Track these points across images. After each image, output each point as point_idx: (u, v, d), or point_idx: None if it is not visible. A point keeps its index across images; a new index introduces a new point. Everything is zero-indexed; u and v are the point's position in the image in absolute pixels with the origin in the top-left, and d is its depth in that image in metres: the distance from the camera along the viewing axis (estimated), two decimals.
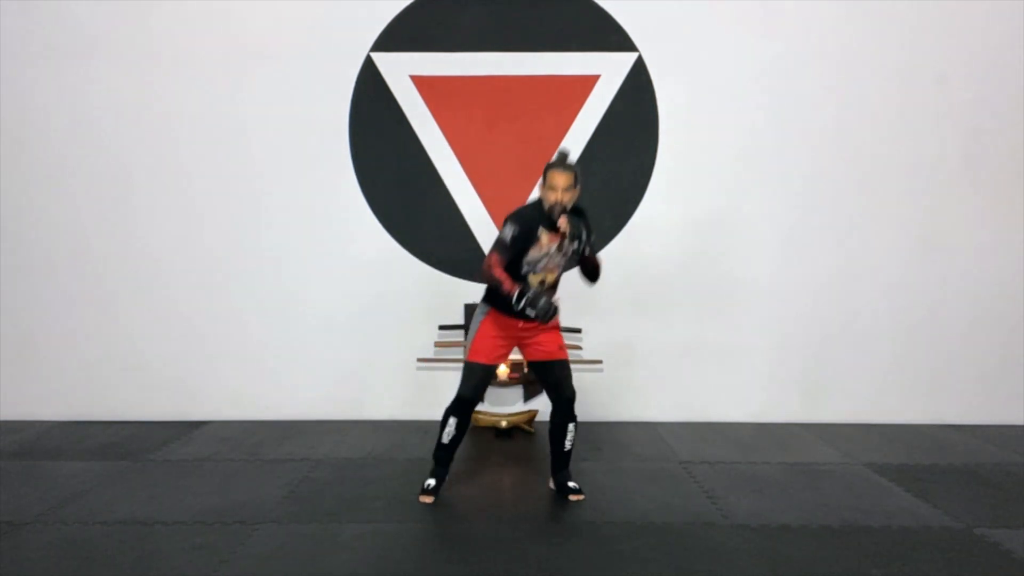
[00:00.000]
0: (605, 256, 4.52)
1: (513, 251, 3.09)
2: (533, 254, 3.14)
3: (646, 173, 4.59)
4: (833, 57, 4.50)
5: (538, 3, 4.53)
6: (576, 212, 3.19)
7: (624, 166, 4.59)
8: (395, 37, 4.55)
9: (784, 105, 4.52)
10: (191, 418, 4.64)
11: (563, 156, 3.15)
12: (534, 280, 3.17)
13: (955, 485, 3.49)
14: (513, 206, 4.52)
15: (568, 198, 3.06)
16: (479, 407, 4.47)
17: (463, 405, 3.24)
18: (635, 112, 4.56)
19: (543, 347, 3.24)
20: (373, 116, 4.57)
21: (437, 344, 4.51)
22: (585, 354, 4.55)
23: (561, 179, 3.03)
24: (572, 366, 4.42)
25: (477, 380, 3.23)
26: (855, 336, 4.63)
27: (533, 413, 4.41)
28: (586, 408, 4.55)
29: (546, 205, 3.09)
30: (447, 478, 3.38)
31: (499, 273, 3.03)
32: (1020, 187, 4.54)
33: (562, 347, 3.28)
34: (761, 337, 4.64)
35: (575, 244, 3.10)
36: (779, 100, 4.52)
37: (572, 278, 4.59)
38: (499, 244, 3.08)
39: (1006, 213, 4.55)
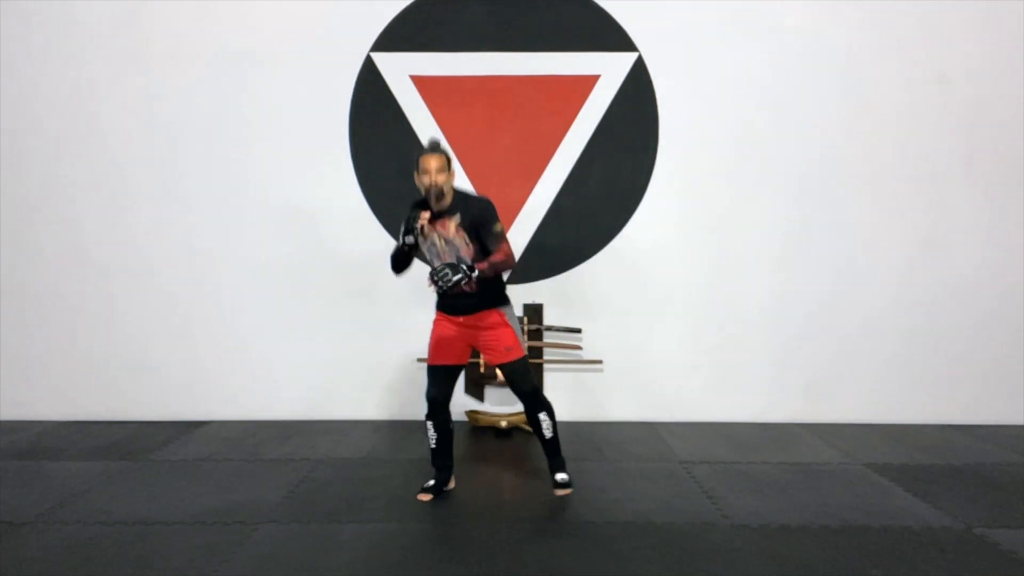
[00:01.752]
0: (605, 255, 4.61)
1: (405, 250, 3.19)
2: (424, 249, 3.19)
3: (646, 173, 4.60)
4: (833, 57, 4.50)
5: (538, 3, 4.53)
6: (469, 204, 3.15)
7: (624, 166, 4.59)
8: (395, 37, 4.55)
9: (784, 105, 4.52)
10: (191, 418, 4.64)
11: (433, 142, 3.22)
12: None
13: (955, 485, 3.49)
14: (513, 206, 4.59)
15: (442, 179, 3.09)
16: (479, 407, 4.48)
17: (431, 407, 3.29)
18: (635, 112, 4.56)
19: (494, 349, 3.24)
20: (373, 116, 4.58)
21: None
22: (585, 354, 4.55)
23: (432, 161, 3.09)
24: (572, 366, 4.45)
25: (436, 382, 3.28)
26: (855, 336, 4.63)
27: None
28: (586, 408, 4.59)
29: (422, 190, 3.13)
30: (451, 478, 3.41)
31: (392, 256, 3.23)
32: (1020, 187, 4.54)
33: (511, 348, 3.23)
34: (761, 337, 4.64)
35: (450, 275, 3.01)
36: (779, 100, 4.52)
37: (570, 280, 4.63)
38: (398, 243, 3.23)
39: (1006, 213, 4.55)
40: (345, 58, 4.55)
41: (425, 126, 4.56)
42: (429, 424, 3.31)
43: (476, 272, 3.04)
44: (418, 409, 4.56)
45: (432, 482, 3.34)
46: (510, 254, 3.15)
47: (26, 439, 4.26)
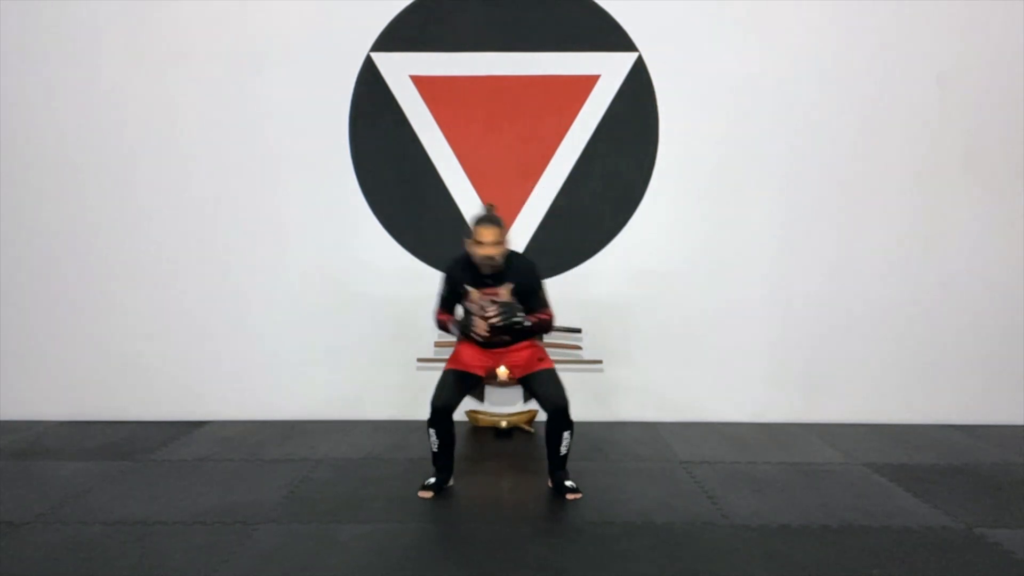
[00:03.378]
0: (605, 255, 4.61)
1: (450, 303, 3.30)
2: (468, 306, 3.23)
3: (646, 173, 4.60)
4: (833, 57, 4.49)
5: (538, 3, 4.53)
6: (518, 269, 3.22)
7: (624, 166, 4.59)
8: (395, 37, 4.55)
9: (784, 105, 4.52)
10: (191, 418, 4.64)
11: (488, 209, 3.23)
12: (479, 327, 3.17)
13: (955, 485, 3.49)
14: (513, 206, 4.60)
15: (497, 251, 3.11)
16: (479, 407, 4.48)
17: (434, 414, 3.25)
18: (635, 112, 4.56)
19: (526, 361, 3.29)
20: (373, 116, 4.57)
21: (437, 344, 4.51)
22: (585, 354, 4.55)
23: (488, 234, 3.09)
24: (572, 366, 4.45)
25: (448, 387, 3.27)
26: (855, 336, 4.63)
27: (533, 413, 4.41)
28: (586, 408, 4.58)
29: (474, 260, 3.15)
30: (451, 478, 3.42)
31: (442, 318, 3.35)
32: (1020, 187, 4.54)
33: (542, 359, 3.29)
34: (761, 337, 4.64)
35: (511, 319, 3.10)
36: (779, 100, 4.52)
37: (570, 280, 4.62)
38: (439, 295, 3.40)
39: (1006, 213, 4.55)
40: (345, 58, 4.55)
41: (425, 126, 4.56)
42: (431, 431, 3.29)
43: (529, 324, 3.13)
44: (418, 409, 4.56)
45: (432, 480, 3.35)
46: (553, 316, 3.28)
47: (26, 439, 4.26)
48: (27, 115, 4.56)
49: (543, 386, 3.26)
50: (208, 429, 4.46)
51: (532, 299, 3.19)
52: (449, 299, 3.37)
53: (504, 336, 3.17)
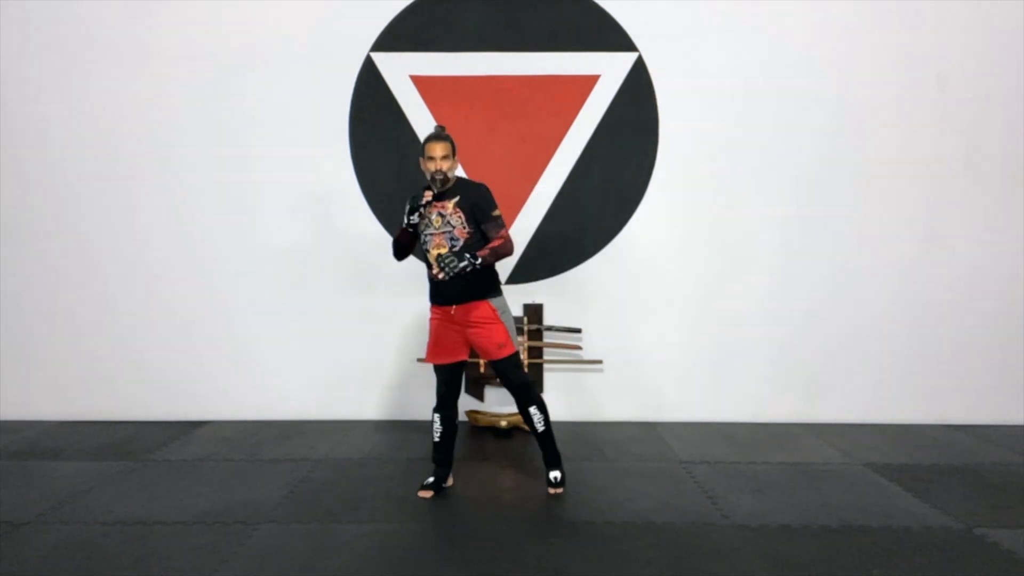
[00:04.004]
0: (605, 255, 4.61)
1: (409, 230, 3.28)
2: (422, 229, 3.28)
3: (646, 173, 4.59)
4: (833, 57, 4.50)
5: (538, 3, 4.53)
6: (469, 187, 3.28)
7: (624, 166, 4.59)
8: (395, 37, 4.55)
9: (784, 105, 4.52)
10: (191, 418, 4.64)
11: (439, 128, 3.30)
12: (431, 256, 3.25)
13: (955, 485, 3.49)
14: (513, 206, 4.59)
15: (446, 165, 3.19)
16: (479, 407, 4.48)
17: (439, 400, 3.38)
18: (635, 112, 4.56)
19: (485, 347, 3.28)
20: (373, 116, 4.58)
21: None
22: (585, 354, 4.55)
23: (438, 148, 3.18)
24: (572, 366, 4.45)
25: (442, 378, 3.37)
26: (855, 336, 4.63)
27: None
28: (586, 408, 4.58)
29: (427, 175, 3.23)
30: (449, 475, 3.43)
31: (400, 237, 3.32)
32: (1020, 187, 4.54)
33: (503, 344, 3.28)
34: (761, 337, 4.64)
35: (454, 262, 3.12)
36: (779, 100, 4.52)
37: (570, 280, 4.62)
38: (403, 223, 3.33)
39: (1006, 213, 4.55)
40: (345, 58, 4.55)
41: (425, 126, 4.56)
42: (436, 416, 3.37)
43: (479, 260, 3.14)
44: (418, 409, 4.59)
45: (431, 479, 3.36)
46: (508, 239, 3.25)
47: (26, 439, 4.26)
48: (27, 115, 4.56)
49: (504, 369, 3.31)
50: (208, 429, 4.46)
51: (485, 221, 3.22)
52: (409, 221, 3.34)
53: (467, 272, 3.16)
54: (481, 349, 3.31)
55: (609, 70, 4.55)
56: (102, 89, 4.54)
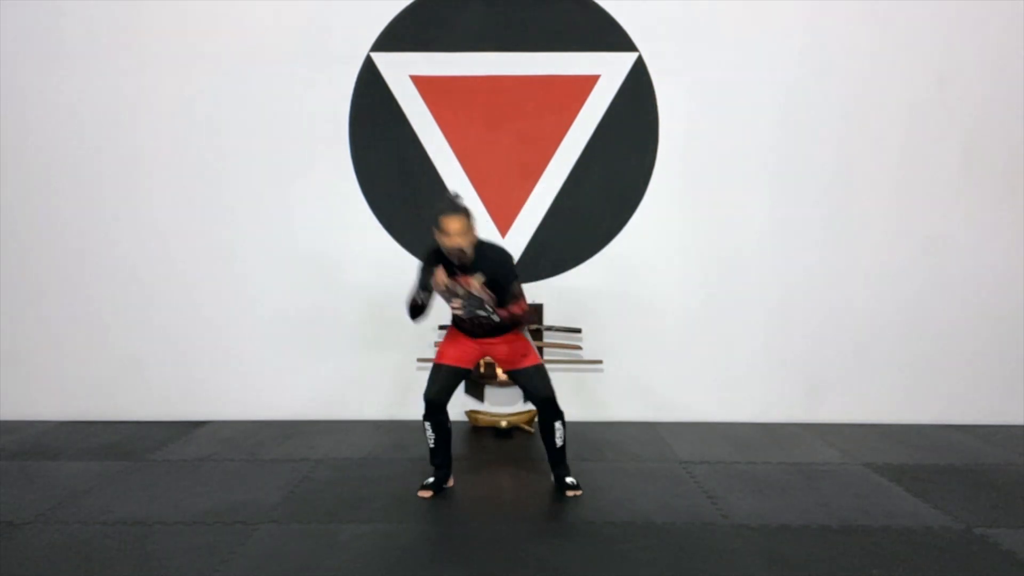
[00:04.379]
0: (605, 255, 4.61)
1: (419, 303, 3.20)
2: (434, 286, 3.11)
3: (646, 173, 4.59)
4: (833, 57, 4.50)
5: (538, 3, 4.53)
6: (490, 260, 3.14)
7: (624, 166, 4.59)
8: (395, 37, 4.55)
9: (784, 105, 4.52)
10: (191, 418, 4.64)
11: (454, 198, 3.13)
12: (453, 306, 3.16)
13: (955, 485, 3.49)
14: (513, 206, 4.60)
15: (465, 241, 3.03)
16: (479, 407, 4.48)
17: (428, 408, 3.29)
18: (635, 112, 4.56)
19: (510, 356, 3.28)
20: (373, 116, 4.57)
21: (437, 344, 4.51)
22: (585, 354, 4.55)
23: (454, 224, 3.00)
24: (572, 366, 4.45)
25: (439, 382, 3.27)
26: (855, 336, 4.63)
27: (533, 413, 4.40)
28: (586, 408, 4.58)
29: (445, 251, 3.08)
30: (449, 476, 3.43)
31: (410, 306, 3.20)
32: (1020, 187, 4.54)
33: (527, 355, 3.28)
34: (760, 337, 4.64)
35: (474, 312, 3.10)
36: (779, 100, 4.52)
37: (570, 280, 4.62)
38: (413, 287, 3.22)
39: (1006, 213, 4.55)
40: (345, 58, 4.54)
41: (425, 126, 4.57)
42: (427, 424, 3.33)
43: (497, 318, 3.12)
44: (418, 409, 4.53)
45: (432, 479, 3.36)
46: (528, 311, 3.20)
47: (26, 439, 4.26)
48: (26, 115, 4.56)
49: (529, 381, 3.29)
50: (208, 429, 4.46)
51: (503, 292, 3.10)
52: (423, 288, 3.26)
53: (472, 326, 3.14)
54: (504, 361, 3.30)
55: (609, 70, 4.55)
56: (101, 89, 4.54)
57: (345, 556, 2.70)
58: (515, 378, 3.35)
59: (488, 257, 3.12)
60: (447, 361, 3.30)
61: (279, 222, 4.62)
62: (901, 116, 4.52)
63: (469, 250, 3.05)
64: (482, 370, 4.40)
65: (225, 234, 4.62)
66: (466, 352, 3.31)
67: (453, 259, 3.06)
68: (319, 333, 4.65)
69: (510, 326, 3.23)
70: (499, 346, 3.28)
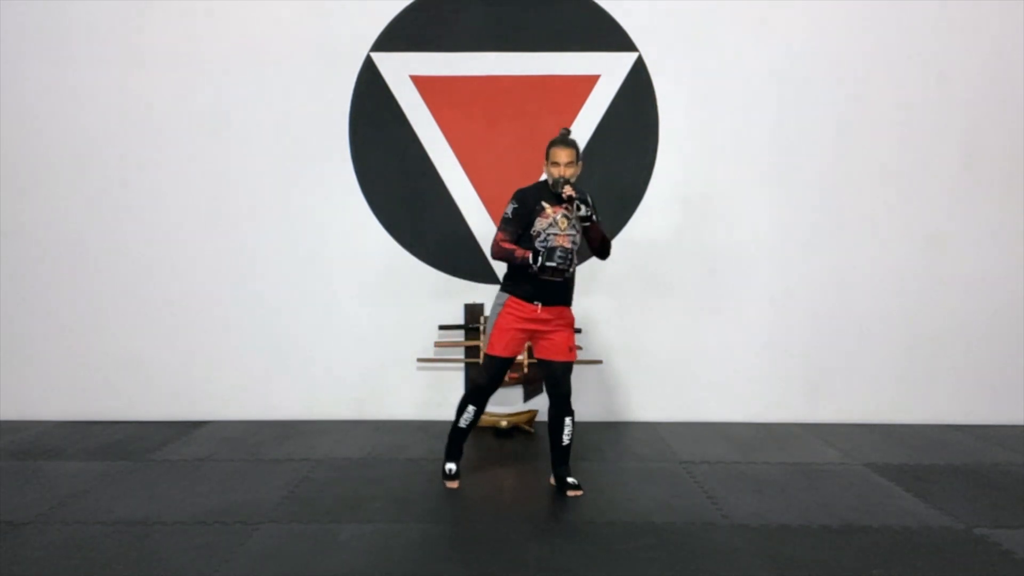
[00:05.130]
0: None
1: (517, 225, 3.21)
2: (539, 225, 3.20)
3: (646, 173, 4.60)
4: (833, 57, 4.50)
5: (538, 3, 4.53)
6: (586, 195, 3.24)
7: (624, 166, 4.59)
8: (395, 37, 4.55)
9: (784, 105, 4.52)
10: (191, 418, 4.64)
11: (565, 133, 3.27)
12: (554, 246, 3.17)
13: (955, 485, 3.49)
14: None
15: (571, 172, 3.19)
16: None
17: (481, 392, 3.37)
18: (635, 112, 4.56)
19: (556, 345, 3.28)
20: (373, 116, 4.58)
21: (437, 344, 4.51)
22: (585, 354, 4.55)
23: (563, 154, 3.18)
24: (572, 366, 4.42)
25: (495, 371, 3.34)
26: (855, 336, 4.63)
27: (533, 413, 4.41)
28: (586, 408, 4.57)
29: (550, 180, 3.20)
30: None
31: (507, 245, 3.18)
32: (1020, 187, 4.54)
33: (572, 348, 3.34)
34: (761, 337, 4.64)
35: (582, 210, 3.13)
36: (779, 100, 4.52)
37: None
38: (503, 221, 3.25)
39: (1006, 213, 4.55)
40: (345, 58, 4.55)
41: (425, 126, 4.57)
42: (470, 408, 3.37)
43: (596, 218, 3.21)
44: (418, 409, 4.60)
45: (453, 467, 3.46)
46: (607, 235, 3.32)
47: (26, 439, 4.26)
48: (27, 115, 4.56)
49: (559, 372, 3.31)
50: (208, 429, 4.46)
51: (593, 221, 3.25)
52: (515, 225, 3.21)
53: (561, 270, 3.12)
54: (552, 350, 3.29)
55: (609, 70, 4.55)
56: (101, 89, 4.54)
57: (345, 556, 2.70)
58: (547, 367, 3.34)
59: (581, 193, 3.19)
60: (500, 353, 3.28)
61: (279, 222, 4.62)
62: (901, 115, 4.52)
63: (573, 180, 3.19)
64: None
65: (225, 234, 4.62)
66: (519, 341, 3.31)
67: (559, 188, 3.14)
68: (319, 333, 4.65)
69: (601, 240, 3.28)
70: (555, 331, 3.26)
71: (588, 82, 4.55)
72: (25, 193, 4.60)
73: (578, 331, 4.48)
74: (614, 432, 4.38)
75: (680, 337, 4.65)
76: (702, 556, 2.71)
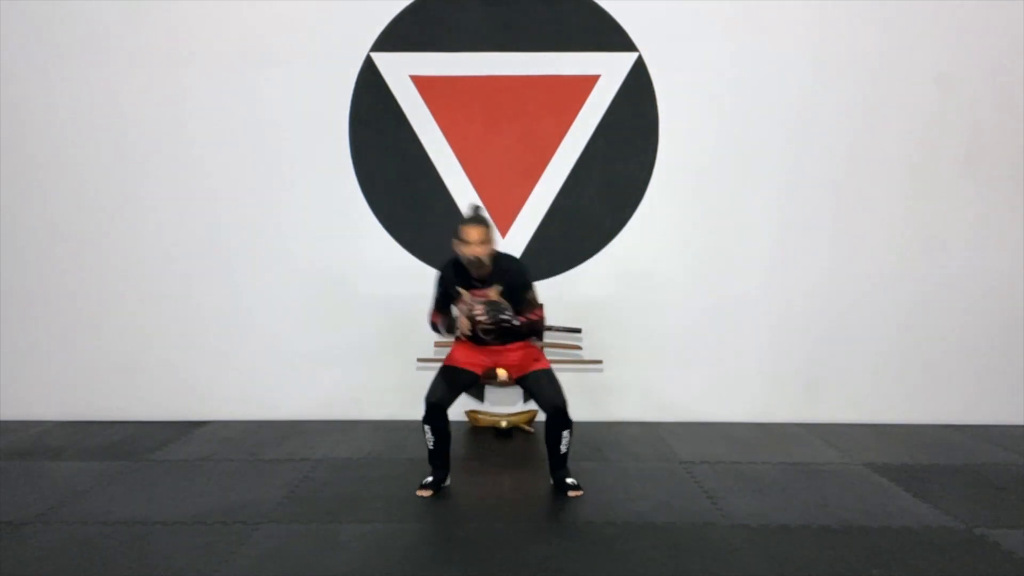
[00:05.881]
0: (605, 255, 4.61)
1: (443, 304, 3.34)
2: (458, 306, 3.24)
3: (646, 173, 4.60)
4: (833, 57, 4.49)
5: (538, 3, 4.53)
6: (506, 270, 3.23)
7: (624, 166, 4.59)
8: (395, 37, 4.55)
9: (784, 105, 4.52)
10: (191, 418, 4.64)
11: (474, 209, 3.26)
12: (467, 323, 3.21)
13: (955, 485, 3.49)
14: (513, 206, 4.60)
15: (483, 251, 3.13)
16: (479, 407, 4.48)
17: (429, 411, 3.30)
18: (635, 112, 4.56)
19: (521, 361, 3.30)
20: (373, 116, 4.57)
21: (437, 344, 4.51)
22: (585, 354, 4.55)
23: (474, 233, 3.13)
24: (572, 366, 4.44)
25: (445, 384, 3.31)
26: (855, 336, 4.63)
27: (533, 413, 4.41)
28: (586, 408, 4.58)
29: (463, 260, 3.18)
30: (447, 476, 3.43)
31: (435, 319, 3.38)
32: (1020, 187, 4.54)
33: (537, 359, 3.31)
34: (761, 337, 4.64)
35: (497, 316, 3.12)
36: (779, 99, 4.52)
37: (569, 280, 4.63)
38: (433, 300, 3.42)
39: (1006, 212, 4.55)
40: (345, 58, 4.54)
41: (425, 126, 4.57)
42: (426, 427, 3.33)
43: (517, 323, 3.13)
44: (418, 409, 4.53)
45: (430, 479, 3.37)
46: (544, 317, 3.27)
47: (26, 439, 4.26)
48: (28, 115, 4.56)
49: (539, 387, 3.28)
50: (208, 429, 4.46)
51: (521, 301, 3.20)
52: (442, 301, 3.40)
53: (494, 336, 3.16)
54: (516, 367, 3.31)
55: (609, 70, 4.55)
56: (101, 90, 4.54)
57: (345, 556, 2.70)
58: (525, 384, 3.34)
59: (504, 268, 3.22)
60: (457, 363, 3.31)
61: (279, 222, 4.62)
62: (902, 116, 4.51)
63: (487, 260, 3.14)
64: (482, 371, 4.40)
65: (225, 234, 4.62)
66: (476, 359, 3.33)
67: (472, 269, 3.13)
68: (319, 333, 4.65)
69: (526, 334, 3.26)
70: (511, 353, 3.29)
71: (588, 82, 4.55)
72: (24, 194, 4.60)
73: (578, 331, 4.50)
74: (614, 432, 4.38)
75: (680, 337, 4.64)
76: (702, 556, 2.71)
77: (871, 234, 4.58)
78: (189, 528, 2.97)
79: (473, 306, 3.13)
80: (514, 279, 3.19)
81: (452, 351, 3.41)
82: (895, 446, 4.13)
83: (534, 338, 3.39)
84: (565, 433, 3.28)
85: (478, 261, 3.12)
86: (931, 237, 4.58)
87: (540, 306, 3.24)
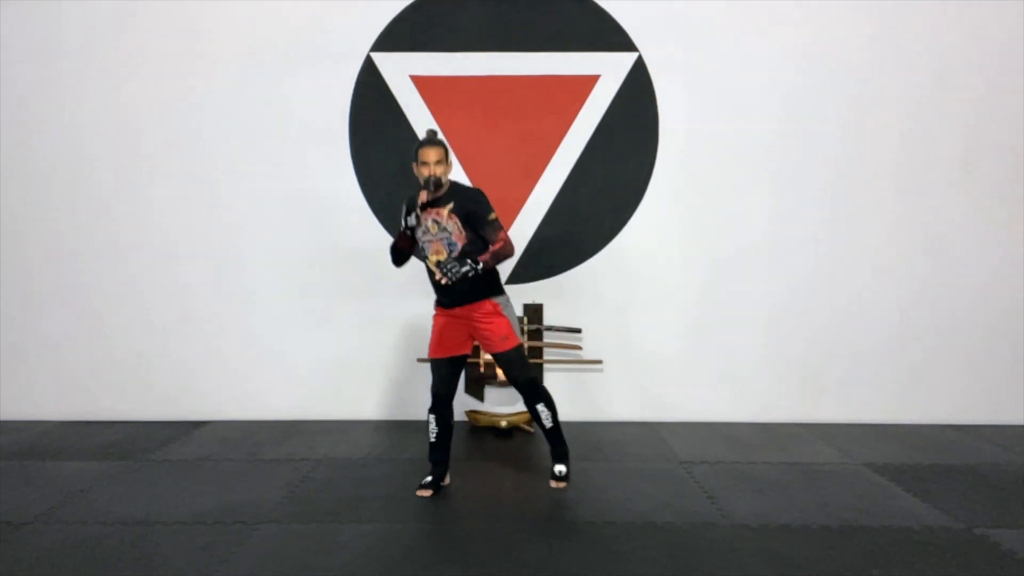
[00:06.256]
0: (605, 256, 4.61)
1: (407, 233, 3.29)
2: (419, 235, 3.28)
3: (646, 173, 4.60)
4: (833, 57, 4.50)
5: (538, 3, 4.53)
6: (463, 193, 3.26)
7: (624, 166, 4.59)
8: (395, 37, 4.55)
9: (784, 105, 4.52)
10: (191, 418, 4.64)
11: (432, 133, 3.30)
12: (430, 262, 3.28)
13: (955, 485, 3.49)
14: (513, 206, 4.59)
15: (440, 171, 3.18)
16: (479, 407, 4.48)
17: (435, 401, 3.36)
18: (635, 112, 4.56)
19: (490, 339, 3.30)
20: (373, 116, 4.57)
21: None
22: (585, 354, 4.55)
23: (432, 153, 3.17)
24: (572, 366, 4.44)
25: (439, 375, 3.36)
26: (855, 336, 4.63)
27: None
28: (586, 408, 4.59)
29: (420, 180, 3.20)
30: (446, 473, 3.44)
31: (401, 246, 3.31)
32: (1019, 187, 4.54)
33: (505, 337, 3.30)
34: (760, 337, 4.64)
35: (459, 272, 3.12)
36: (779, 100, 4.52)
37: (570, 280, 4.63)
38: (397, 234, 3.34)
39: (1006, 213, 4.55)
40: (345, 58, 4.55)
41: (425, 126, 4.56)
42: (431, 417, 3.37)
43: (481, 265, 3.15)
44: (418, 409, 4.58)
45: (430, 478, 3.37)
46: (508, 241, 3.24)
47: (26, 439, 4.26)
48: (28, 115, 4.57)
49: (507, 363, 3.33)
50: (208, 429, 4.46)
51: (482, 226, 3.21)
52: (405, 230, 3.36)
53: (461, 279, 3.16)
54: (485, 342, 3.33)
55: (609, 70, 4.55)
56: (102, 90, 4.54)
57: (345, 556, 2.70)
58: (497, 361, 3.39)
59: (462, 193, 3.26)
60: (437, 355, 3.35)
61: (279, 222, 4.62)
62: (901, 115, 4.52)
63: (444, 181, 3.21)
64: (482, 370, 4.40)
65: (225, 234, 4.62)
66: (453, 337, 3.34)
67: (428, 189, 3.15)
68: (318, 333, 4.65)
69: (486, 283, 3.25)
70: (480, 323, 3.28)
71: (588, 82, 4.55)
72: (24, 194, 4.60)
73: (578, 331, 4.50)
74: (614, 432, 4.38)
75: (680, 337, 4.64)
76: (702, 556, 2.71)
77: (870, 234, 4.58)
78: (189, 528, 2.97)
79: (435, 266, 3.21)
80: (471, 204, 3.20)
81: (430, 342, 3.40)
82: (895, 446, 4.13)
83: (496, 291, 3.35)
84: (541, 407, 3.35)
85: (436, 180, 3.15)
86: (931, 236, 4.58)
87: (502, 228, 3.25)
